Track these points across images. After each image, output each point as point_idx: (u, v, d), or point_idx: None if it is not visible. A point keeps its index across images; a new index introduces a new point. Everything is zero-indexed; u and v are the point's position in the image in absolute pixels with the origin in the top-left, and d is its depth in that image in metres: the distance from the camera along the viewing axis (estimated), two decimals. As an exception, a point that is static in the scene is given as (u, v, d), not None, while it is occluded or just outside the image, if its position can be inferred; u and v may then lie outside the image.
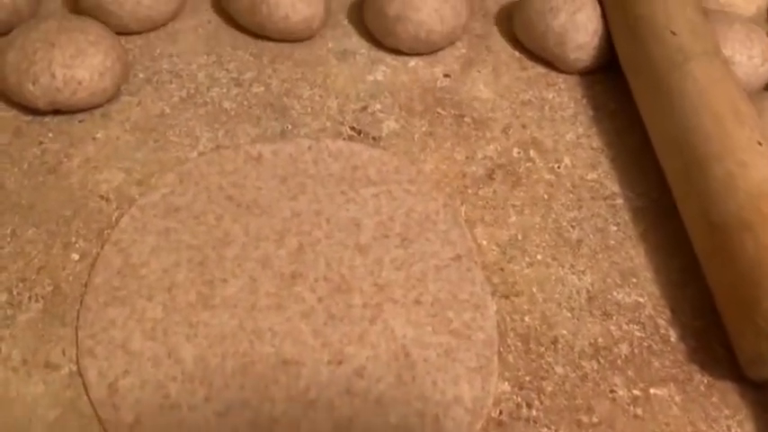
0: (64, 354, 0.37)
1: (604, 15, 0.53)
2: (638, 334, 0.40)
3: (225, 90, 0.51)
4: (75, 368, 0.37)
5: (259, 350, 0.38)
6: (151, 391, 0.36)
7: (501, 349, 0.39)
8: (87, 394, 0.36)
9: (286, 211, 0.44)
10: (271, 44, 0.54)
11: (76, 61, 0.46)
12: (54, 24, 0.48)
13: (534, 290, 0.42)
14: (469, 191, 0.46)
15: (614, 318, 0.41)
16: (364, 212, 0.44)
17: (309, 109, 0.50)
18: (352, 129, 0.50)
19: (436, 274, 0.42)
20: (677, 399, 0.38)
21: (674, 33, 0.46)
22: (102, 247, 0.42)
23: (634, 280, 0.43)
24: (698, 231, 0.41)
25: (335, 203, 0.45)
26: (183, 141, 0.48)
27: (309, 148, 0.47)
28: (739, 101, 0.42)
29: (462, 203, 0.46)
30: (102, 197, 0.44)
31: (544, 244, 0.44)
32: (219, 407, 0.36)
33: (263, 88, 0.51)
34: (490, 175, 0.47)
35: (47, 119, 0.48)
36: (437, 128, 0.50)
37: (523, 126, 0.51)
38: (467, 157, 0.48)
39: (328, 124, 0.50)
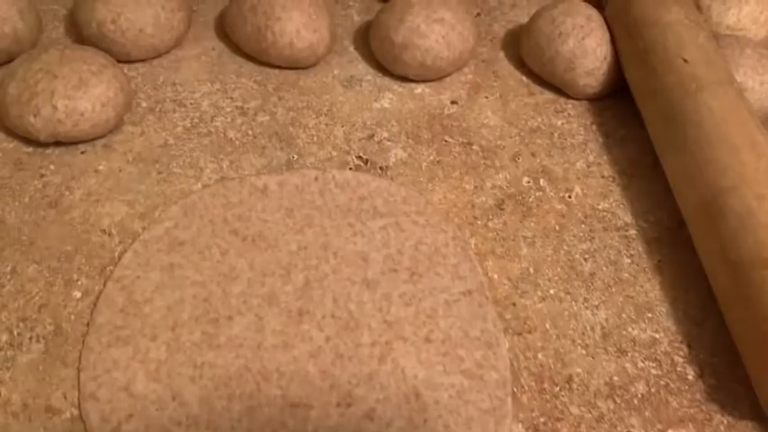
0: (65, 397, 0.36)
1: (614, 40, 0.52)
2: (654, 372, 0.39)
3: (229, 119, 0.50)
4: (76, 412, 0.36)
5: (266, 392, 0.37)
6: (155, 435, 0.35)
7: (514, 389, 0.38)
8: (89, 440, 0.35)
9: (292, 245, 0.43)
10: (275, 71, 0.54)
11: (78, 92, 0.45)
12: (56, 54, 0.47)
13: (547, 326, 0.41)
14: (479, 222, 0.46)
15: (630, 354, 0.40)
16: (372, 246, 0.43)
17: (315, 138, 0.50)
18: (359, 158, 0.49)
19: (447, 309, 0.41)
20: (697, 440, 0.37)
21: (686, 61, 0.45)
22: (104, 285, 0.41)
23: (649, 315, 0.42)
24: (715, 267, 0.40)
25: (342, 236, 0.44)
26: (187, 173, 0.47)
27: (316, 178, 0.47)
28: (756, 131, 0.41)
29: (472, 235, 0.45)
30: (104, 231, 0.43)
31: (556, 277, 0.43)
32: (225, 453, 0.35)
33: (268, 117, 0.51)
34: (500, 206, 0.47)
35: (48, 150, 0.47)
36: (445, 156, 0.49)
37: (533, 154, 0.50)
38: (475, 187, 0.47)
39: (334, 153, 0.49)
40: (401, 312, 0.40)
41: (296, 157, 0.48)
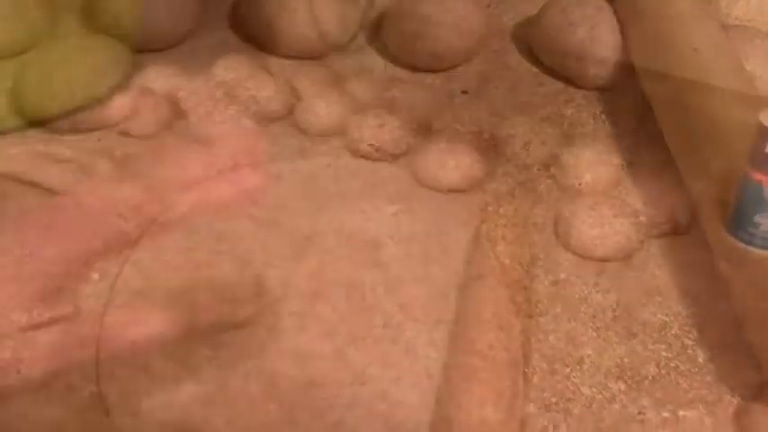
0: (85, 376, 0.37)
1: (623, 31, 0.53)
2: (664, 354, 0.40)
3: (243, 108, 0.51)
4: (96, 390, 0.36)
5: (281, 372, 0.37)
6: (173, 413, 0.36)
7: (526, 370, 0.38)
8: (109, 417, 0.36)
9: (306, 230, 0.44)
10: (288, 61, 0.54)
11: (95, 81, 0.46)
12: (71, 44, 0.48)
13: (558, 309, 0.41)
14: (490, 208, 0.46)
15: (640, 337, 0.40)
16: (384, 231, 0.44)
17: (328, 126, 0.50)
18: (371, 146, 0.49)
19: (458, 293, 0.41)
20: (707, 421, 0.37)
21: (695, 50, 0.46)
22: (121, 267, 0.41)
23: (659, 298, 0.42)
24: (724, 252, 0.40)
25: (355, 222, 0.44)
26: (203, 159, 0.47)
27: (328, 165, 0.47)
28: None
29: (483, 221, 0.45)
30: (120, 215, 0.44)
31: (566, 262, 0.44)
32: (242, 430, 0.35)
33: (280, 106, 0.51)
34: (511, 193, 0.47)
35: (65, 137, 0.48)
36: (456, 144, 0.50)
37: (543, 143, 0.50)
38: (487, 174, 0.48)
39: (347, 141, 0.49)
40: (413, 295, 0.41)
41: (309, 145, 0.49)
